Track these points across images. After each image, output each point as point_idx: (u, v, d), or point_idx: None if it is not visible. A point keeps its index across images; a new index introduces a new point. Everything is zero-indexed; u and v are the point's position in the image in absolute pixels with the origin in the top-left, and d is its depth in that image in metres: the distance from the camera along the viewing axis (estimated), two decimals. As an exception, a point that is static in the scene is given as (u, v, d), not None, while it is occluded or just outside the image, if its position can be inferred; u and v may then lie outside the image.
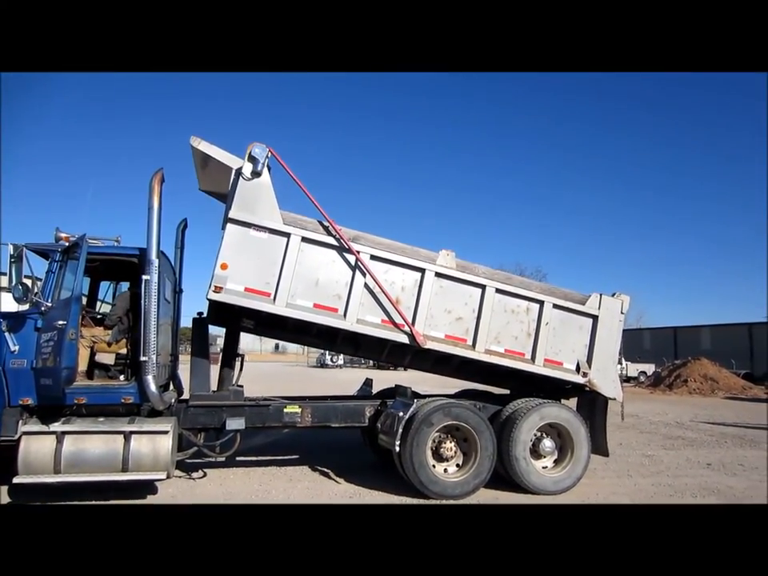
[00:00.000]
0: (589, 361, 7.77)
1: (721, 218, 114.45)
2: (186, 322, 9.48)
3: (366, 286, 6.90)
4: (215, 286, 6.35)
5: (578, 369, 7.72)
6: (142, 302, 6.18)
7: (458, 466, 7.24)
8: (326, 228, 6.86)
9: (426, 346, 7.03)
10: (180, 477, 7.56)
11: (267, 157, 6.50)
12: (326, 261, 6.82)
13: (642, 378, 34.31)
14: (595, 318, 7.80)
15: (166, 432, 6.24)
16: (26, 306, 6.12)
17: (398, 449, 6.84)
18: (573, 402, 8.53)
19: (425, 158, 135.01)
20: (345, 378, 31.75)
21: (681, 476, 8.60)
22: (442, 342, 7.17)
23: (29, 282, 6.01)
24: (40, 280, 6.38)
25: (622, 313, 8.00)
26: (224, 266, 6.39)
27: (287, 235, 6.59)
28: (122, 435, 6.10)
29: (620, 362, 8.13)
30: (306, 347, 79.22)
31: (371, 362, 53.85)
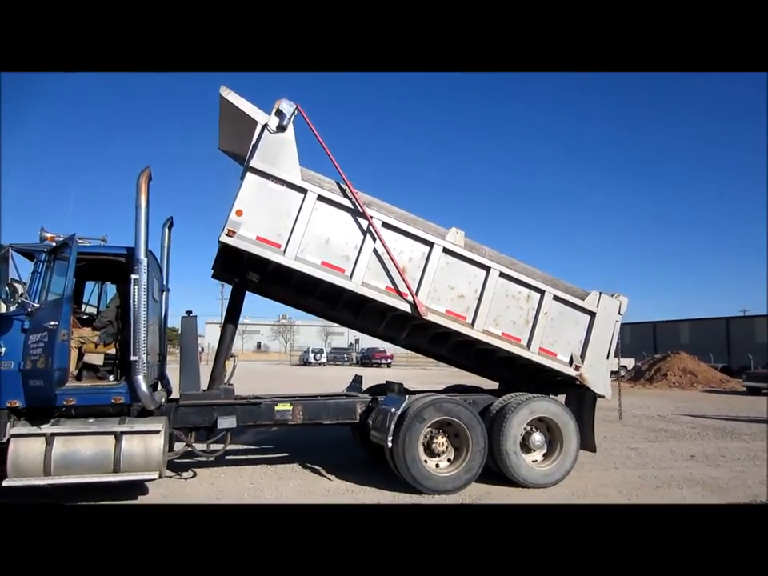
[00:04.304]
0: (582, 356, 7.86)
1: (702, 213, 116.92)
2: (173, 321, 9.40)
3: (374, 251, 6.95)
4: (228, 230, 6.35)
5: (570, 362, 7.80)
6: (131, 301, 6.10)
7: (449, 461, 7.28)
8: (342, 190, 6.91)
9: (426, 317, 7.06)
10: (170, 477, 7.49)
11: (294, 113, 6.54)
12: (338, 221, 6.86)
13: (623, 372, 34.81)
14: (593, 314, 7.89)
15: (157, 432, 6.17)
16: (11, 308, 6.00)
17: (390, 445, 6.87)
18: (561, 399, 8.62)
19: (413, 154, 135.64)
20: (329, 376, 31.77)
21: (666, 468, 8.75)
22: (442, 316, 7.22)
23: (16, 283, 5.91)
24: (19, 282, 6.23)
25: (619, 313, 8.12)
26: (239, 213, 6.41)
27: (304, 191, 6.63)
28: (113, 436, 6.02)
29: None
30: (288, 345, 79.18)
31: (354, 359, 54.09)
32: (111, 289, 7.91)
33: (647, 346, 43.18)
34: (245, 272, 7.20)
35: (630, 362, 36.56)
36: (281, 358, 64.42)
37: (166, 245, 7.91)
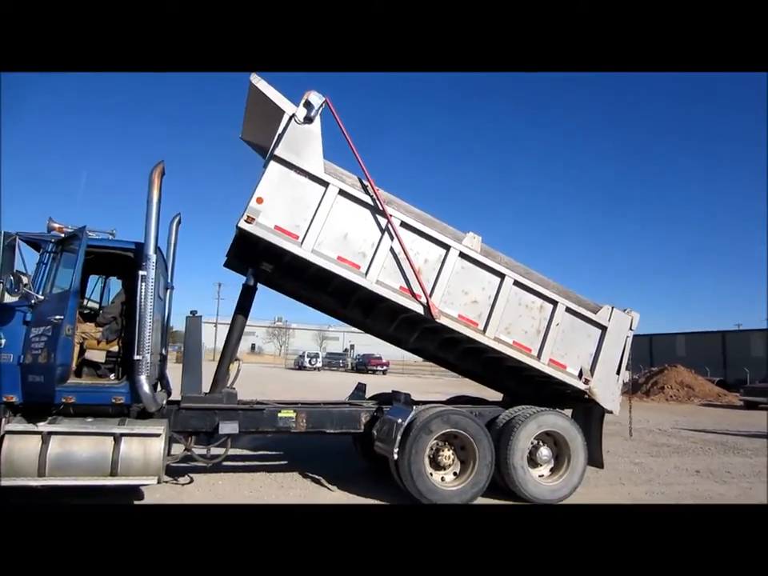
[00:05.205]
0: (592, 370, 7.71)
1: (697, 227, 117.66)
2: (175, 320, 9.21)
3: (391, 250, 6.86)
4: (248, 216, 6.27)
5: (580, 375, 7.66)
6: (138, 298, 5.92)
7: (455, 474, 7.11)
8: (364, 186, 6.83)
9: (439, 320, 6.95)
10: (167, 482, 7.27)
11: (322, 106, 6.48)
12: (357, 217, 6.77)
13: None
14: (604, 328, 7.76)
15: (158, 435, 5.97)
16: (14, 298, 5.81)
17: (395, 456, 6.67)
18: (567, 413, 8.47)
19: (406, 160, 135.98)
20: (326, 381, 31.57)
21: (672, 484, 8.65)
22: (454, 321, 7.10)
23: (20, 274, 5.73)
24: (24, 274, 6.07)
25: (630, 329, 8.00)
26: (259, 200, 6.34)
27: (326, 184, 6.56)
28: (112, 437, 5.81)
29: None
30: (282, 348, 78.82)
31: (349, 365, 53.80)
32: (115, 284, 7.75)
33: (643, 359, 43.10)
34: (258, 262, 7.11)
35: (626, 375, 36.44)
36: (275, 361, 64.10)
37: (173, 241, 7.74)
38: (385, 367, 47.15)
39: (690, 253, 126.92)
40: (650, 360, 44.20)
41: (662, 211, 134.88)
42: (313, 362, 49.96)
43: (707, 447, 12.59)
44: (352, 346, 67.04)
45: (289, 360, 58.69)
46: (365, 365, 47.68)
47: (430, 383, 33.81)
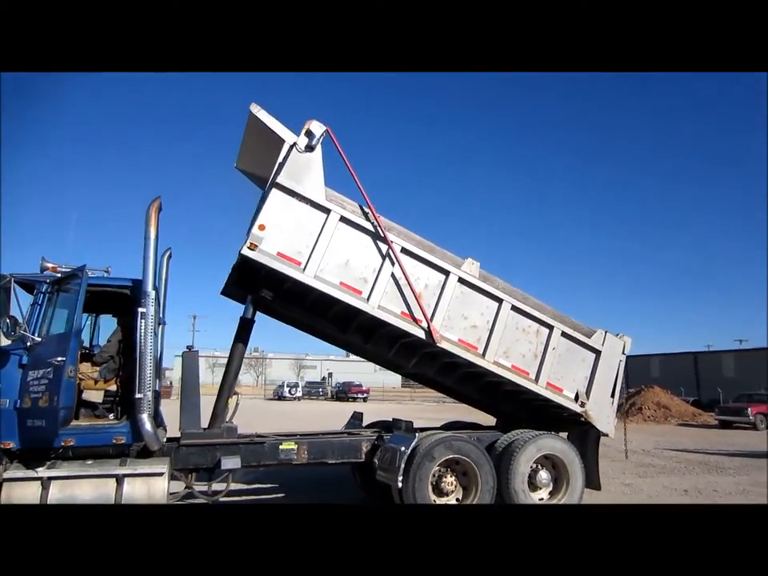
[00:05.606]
0: (587, 393, 7.87)
1: (670, 250, 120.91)
2: (167, 355, 9.08)
3: (392, 275, 6.94)
4: (251, 243, 6.32)
5: (576, 398, 7.80)
6: (138, 335, 5.89)
7: (457, 500, 7.13)
8: (365, 213, 6.95)
9: (440, 344, 7.02)
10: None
11: (323, 135, 6.61)
12: (359, 244, 6.87)
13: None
14: (598, 352, 7.96)
15: (161, 474, 5.89)
16: (7, 342, 5.71)
17: (400, 485, 6.68)
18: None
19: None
20: (308, 411, 31.15)
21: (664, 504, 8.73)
22: (454, 345, 7.18)
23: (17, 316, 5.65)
24: (11, 317, 5.93)
25: (623, 353, 8.25)
26: (262, 227, 6.39)
27: (327, 211, 6.65)
28: (115, 479, 5.71)
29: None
30: (259, 379, 77.64)
31: (329, 393, 53.23)
32: (105, 321, 7.64)
33: (619, 380, 43.60)
34: (258, 289, 7.14)
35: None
36: (254, 392, 62.86)
37: (164, 277, 7.69)
38: (365, 394, 46.80)
39: (665, 275, 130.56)
40: (626, 381, 44.67)
41: (637, 235, 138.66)
42: (293, 392, 49.21)
43: (691, 467, 12.79)
44: (330, 374, 66.42)
45: (267, 390, 57.74)
46: (345, 393, 47.29)
47: (410, 409, 33.69)
